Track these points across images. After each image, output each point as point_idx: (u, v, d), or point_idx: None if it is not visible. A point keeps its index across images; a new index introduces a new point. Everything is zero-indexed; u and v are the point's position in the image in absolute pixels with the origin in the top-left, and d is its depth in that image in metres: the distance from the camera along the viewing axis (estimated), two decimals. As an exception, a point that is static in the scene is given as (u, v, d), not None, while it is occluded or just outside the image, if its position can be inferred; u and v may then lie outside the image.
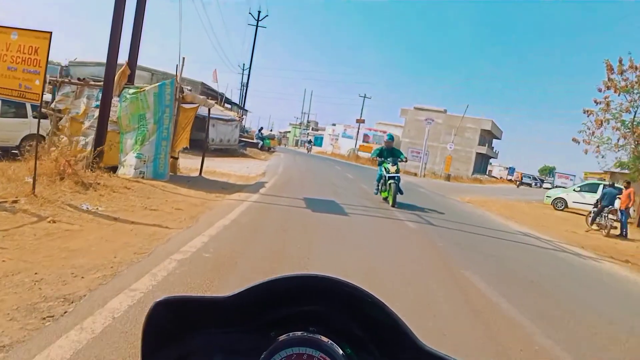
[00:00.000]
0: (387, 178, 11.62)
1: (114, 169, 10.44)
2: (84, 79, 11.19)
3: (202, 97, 12.08)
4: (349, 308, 0.62)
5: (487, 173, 62.26)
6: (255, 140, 33.04)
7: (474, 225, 10.70)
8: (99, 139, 9.37)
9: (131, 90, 10.39)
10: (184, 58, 10.70)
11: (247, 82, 42.44)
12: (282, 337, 0.60)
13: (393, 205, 10.99)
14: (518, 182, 51.46)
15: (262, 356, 0.59)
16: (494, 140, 63.80)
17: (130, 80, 10.64)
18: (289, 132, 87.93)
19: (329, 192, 13.17)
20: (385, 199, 11.85)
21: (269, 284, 0.62)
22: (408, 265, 5.99)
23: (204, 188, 10.64)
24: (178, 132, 13.66)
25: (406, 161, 12.83)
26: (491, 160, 67.78)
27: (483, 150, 54.24)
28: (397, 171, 11.63)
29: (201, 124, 26.89)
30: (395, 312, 0.60)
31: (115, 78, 10.40)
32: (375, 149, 13.32)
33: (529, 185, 58.16)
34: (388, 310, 0.60)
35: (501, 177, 68.29)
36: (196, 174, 14.07)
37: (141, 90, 10.38)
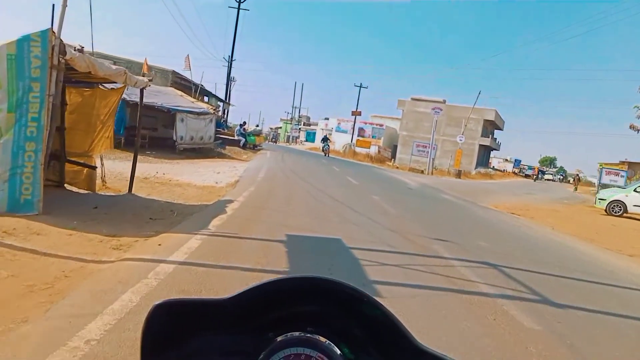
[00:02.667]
0: None
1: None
2: None
3: (115, 67, 7.33)
4: (346, 309, 0.61)
5: (488, 166, 57.98)
6: (236, 137, 28.09)
7: (582, 279, 6.09)
8: None
9: (-37, 52, 5.64)
10: (64, -7, 5.93)
11: (229, 70, 37.67)
12: (280, 338, 0.60)
13: None
14: (535, 176, 48.09)
15: (261, 356, 0.59)
16: (495, 131, 59.68)
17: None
18: (280, 127, 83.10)
19: (328, 215, 8.49)
20: None
21: (268, 285, 0.62)
22: None
23: (111, 223, 6.02)
24: (95, 127, 8.96)
25: None
26: (491, 152, 63.53)
27: (486, 142, 49.99)
28: None
29: (169, 119, 22.14)
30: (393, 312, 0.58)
31: None
32: None
33: (534, 178, 55.03)
34: (385, 310, 0.60)
35: (505, 170, 64.09)
36: (141, 186, 9.48)
37: (-18, 50, 5.63)
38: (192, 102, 23.19)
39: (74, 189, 8.83)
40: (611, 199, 17.18)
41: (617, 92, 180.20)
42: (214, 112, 23.01)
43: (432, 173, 32.53)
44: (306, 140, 63.71)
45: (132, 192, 9.05)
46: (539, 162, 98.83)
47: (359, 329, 0.61)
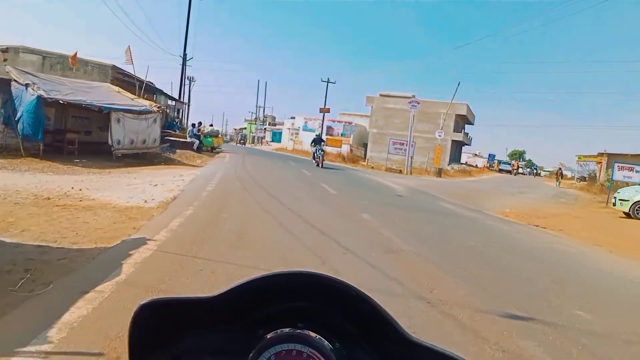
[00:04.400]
0: None
1: None
2: None
3: None
4: (336, 303, 0.60)
5: (460, 161, 56.24)
6: (188, 140, 24.30)
7: None
8: None
9: None
10: None
11: (184, 66, 33.77)
12: (270, 335, 0.59)
13: None
14: (514, 171, 47.28)
15: (251, 354, 0.58)
16: (467, 126, 57.83)
17: None
18: (245, 128, 79.18)
19: (302, 263, 5.17)
20: None
21: (255, 282, 0.60)
22: None
23: None
24: None
25: None
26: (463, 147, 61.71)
27: (459, 137, 47.93)
28: None
29: (106, 120, 18.25)
30: (381, 305, 0.57)
31: None
32: None
33: (510, 172, 54.27)
34: (374, 303, 0.59)
35: (476, 165, 62.55)
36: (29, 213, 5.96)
37: None
38: (132, 99, 19.43)
39: None
40: (635, 200, 14.54)
41: (584, 83, 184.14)
42: (158, 111, 19.26)
43: (410, 172, 29.68)
44: (272, 141, 60.30)
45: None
46: (508, 155, 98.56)
47: (350, 323, 0.61)
